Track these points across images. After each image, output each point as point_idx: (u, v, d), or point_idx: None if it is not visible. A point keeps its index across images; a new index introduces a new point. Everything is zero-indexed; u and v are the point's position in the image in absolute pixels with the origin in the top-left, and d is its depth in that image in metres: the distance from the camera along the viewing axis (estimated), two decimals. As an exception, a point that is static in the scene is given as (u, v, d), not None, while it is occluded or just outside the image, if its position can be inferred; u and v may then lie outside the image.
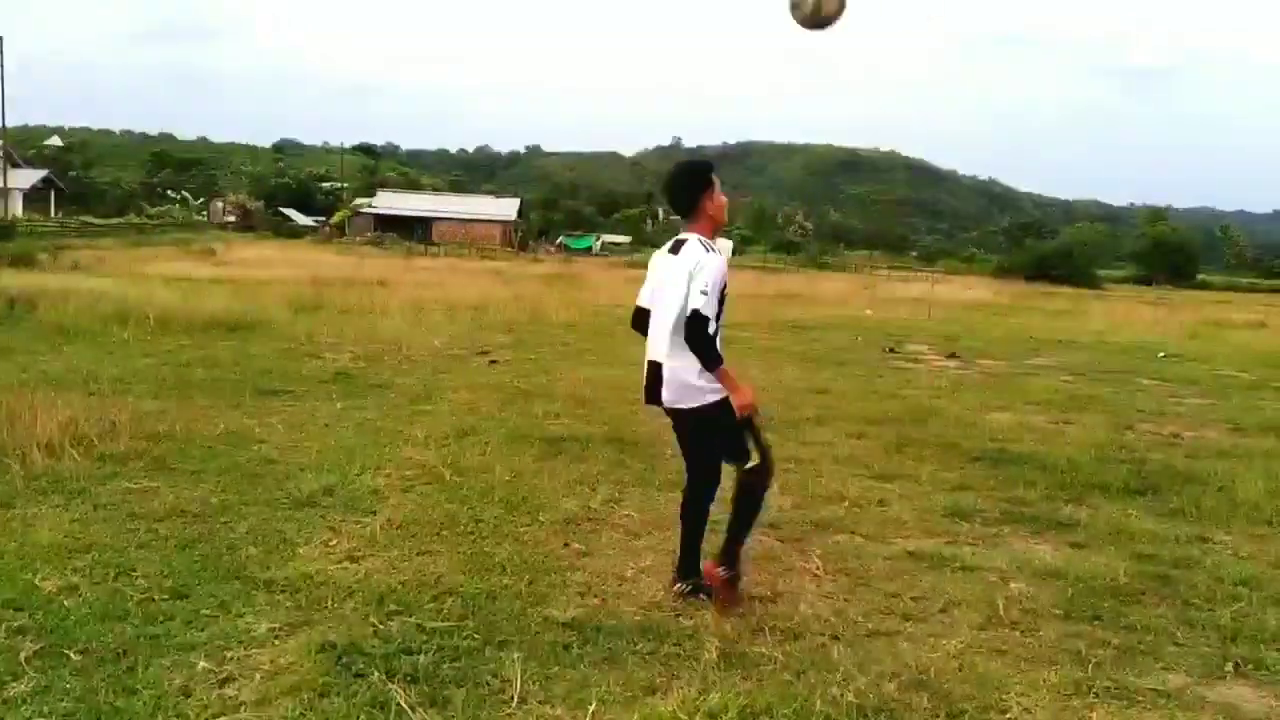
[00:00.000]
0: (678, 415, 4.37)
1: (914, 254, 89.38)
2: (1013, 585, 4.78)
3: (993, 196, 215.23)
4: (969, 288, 40.17)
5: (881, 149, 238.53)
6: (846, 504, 6.06)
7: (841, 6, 4.55)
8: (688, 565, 4.44)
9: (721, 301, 4.22)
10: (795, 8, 4.57)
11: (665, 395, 4.30)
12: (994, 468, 7.23)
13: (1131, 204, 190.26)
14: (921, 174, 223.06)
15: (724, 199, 4.43)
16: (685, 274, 4.19)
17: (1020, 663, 3.91)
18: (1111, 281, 63.35)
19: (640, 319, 4.47)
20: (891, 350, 15.45)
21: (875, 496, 6.26)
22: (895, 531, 5.59)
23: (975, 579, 4.87)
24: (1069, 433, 8.82)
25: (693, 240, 4.31)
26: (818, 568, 4.88)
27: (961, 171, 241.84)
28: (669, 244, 4.44)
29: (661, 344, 4.30)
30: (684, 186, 4.42)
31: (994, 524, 5.84)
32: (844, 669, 3.71)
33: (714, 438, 4.35)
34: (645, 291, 4.47)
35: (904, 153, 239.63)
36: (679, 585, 4.40)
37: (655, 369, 4.33)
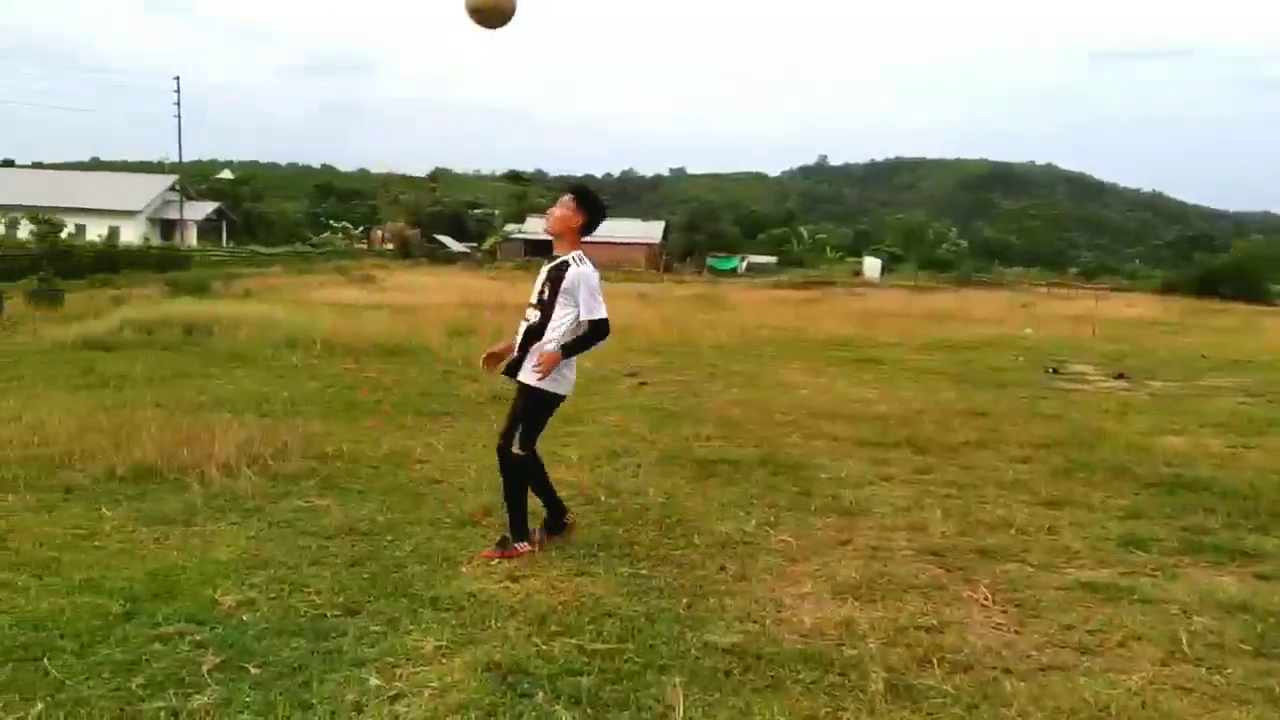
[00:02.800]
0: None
1: (1074, 270, 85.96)
2: (1195, 619, 4.51)
3: (1157, 210, 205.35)
4: (1133, 304, 38.41)
5: (1037, 162, 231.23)
6: (1014, 531, 5.83)
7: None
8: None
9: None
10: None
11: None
12: (1170, 494, 6.86)
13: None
14: (1080, 187, 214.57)
15: None
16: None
17: (1208, 701, 3.69)
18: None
19: None
20: (1054, 370, 14.87)
21: (1044, 524, 6.01)
22: (1067, 560, 5.35)
23: (1155, 611, 4.61)
24: (1250, 457, 8.31)
25: None
26: (986, 597, 4.70)
27: (1123, 184, 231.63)
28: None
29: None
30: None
31: (1172, 554, 5.53)
32: (1018, 704, 3.56)
33: None
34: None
35: (1061, 165, 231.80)
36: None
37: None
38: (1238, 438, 9.30)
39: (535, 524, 5.36)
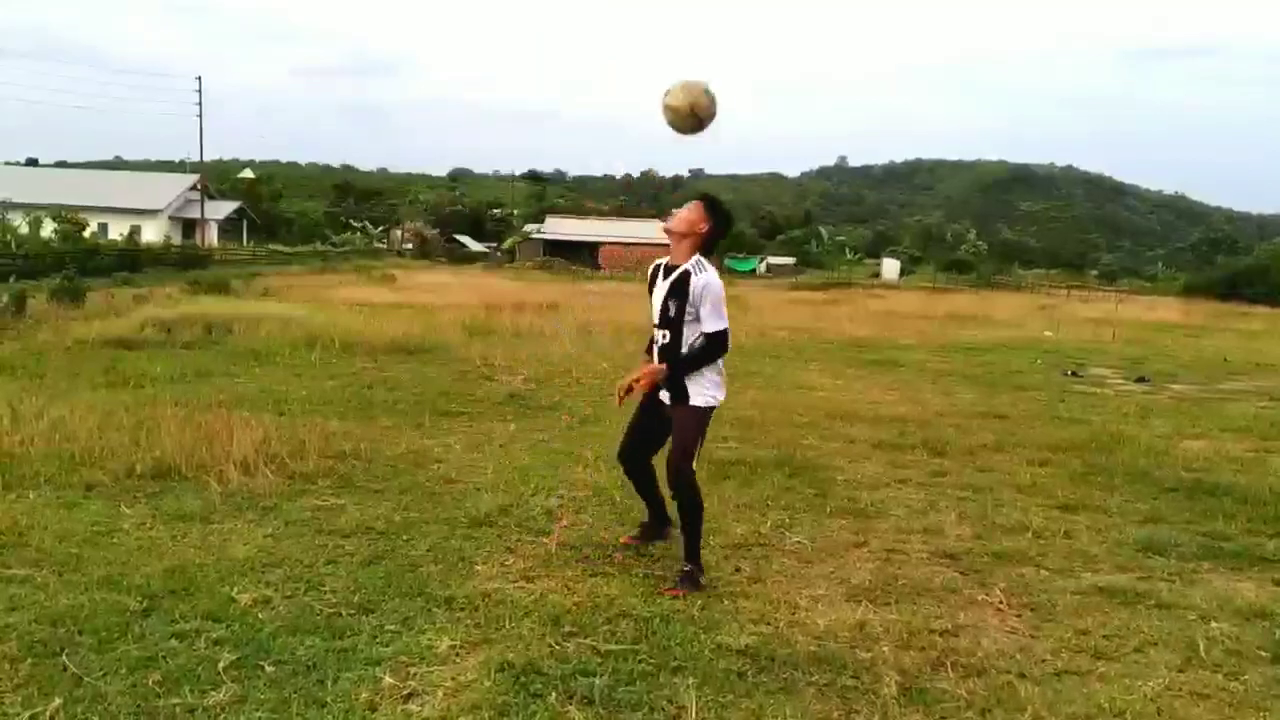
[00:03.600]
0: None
1: (1094, 273, 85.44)
2: (1213, 625, 4.49)
3: (1180, 211, 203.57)
4: (1154, 308, 38.14)
5: (1057, 164, 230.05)
6: (1030, 535, 5.80)
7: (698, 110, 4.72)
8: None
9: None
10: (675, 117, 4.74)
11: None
12: (1189, 499, 6.82)
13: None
14: (1101, 189, 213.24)
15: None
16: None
17: (1225, 708, 3.67)
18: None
19: None
20: (1073, 374, 14.79)
21: (1061, 528, 5.98)
22: (1084, 565, 5.32)
23: (1172, 617, 4.59)
24: (1271, 462, 8.24)
25: None
26: (1000, 601, 4.69)
27: (1145, 186, 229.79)
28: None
29: None
30: None
31: (1191, 559, 5.49)
32: (1032, 709, 3.55)
33: None
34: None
35: (1081, 166, 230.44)
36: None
37: None
38: (1259, 442, 9.24)
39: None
